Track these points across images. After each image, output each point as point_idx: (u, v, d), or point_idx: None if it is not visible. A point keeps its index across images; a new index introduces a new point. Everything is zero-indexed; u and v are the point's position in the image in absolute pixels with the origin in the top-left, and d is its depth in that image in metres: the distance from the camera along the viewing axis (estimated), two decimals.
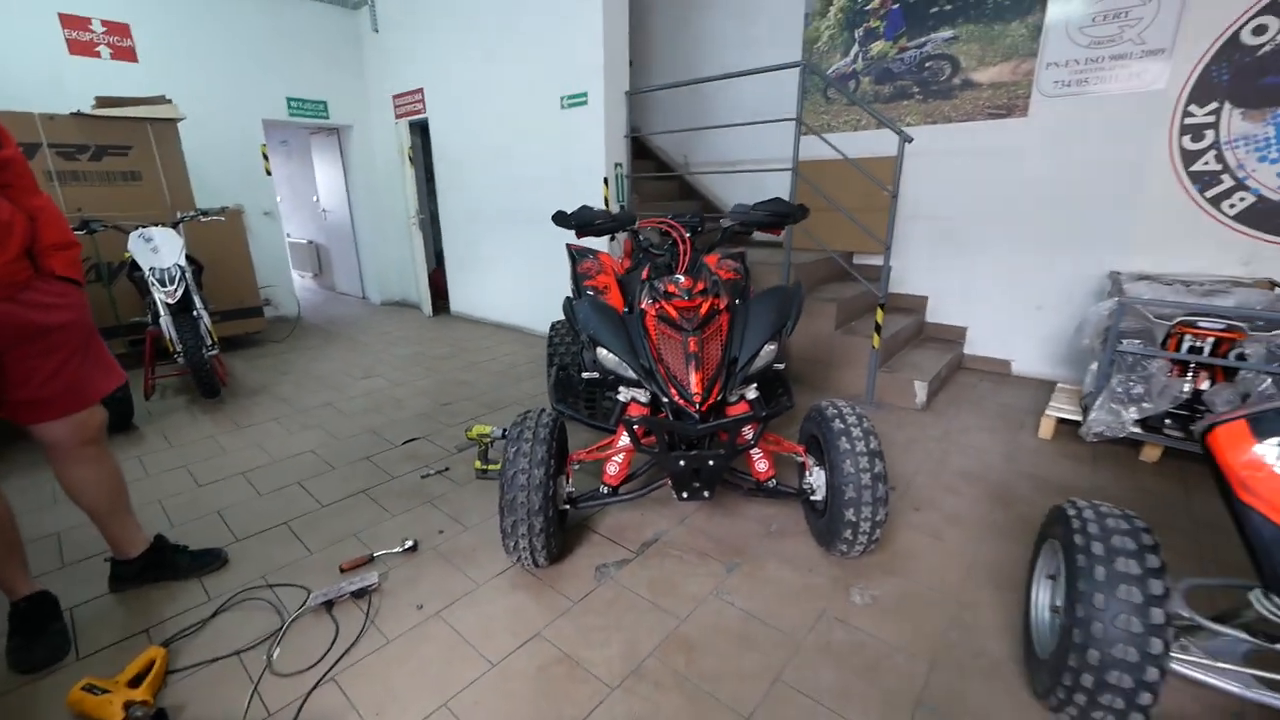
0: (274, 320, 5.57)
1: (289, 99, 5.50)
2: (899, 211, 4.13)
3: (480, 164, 5.07)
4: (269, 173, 5.48)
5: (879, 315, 3.25)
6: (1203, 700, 1.40)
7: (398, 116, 5.73)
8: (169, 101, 4.15)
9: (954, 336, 4.13)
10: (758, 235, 4.72)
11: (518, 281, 5.13)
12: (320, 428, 3.14)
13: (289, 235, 7.78)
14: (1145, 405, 2.51)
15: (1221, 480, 1.00)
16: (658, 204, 4.91)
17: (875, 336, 3.29)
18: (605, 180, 4.07)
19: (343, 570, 1.93)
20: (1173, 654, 1.26)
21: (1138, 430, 2.57)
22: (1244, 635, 1.20)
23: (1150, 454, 2.66)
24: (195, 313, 3.35)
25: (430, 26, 5.09)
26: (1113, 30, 3.23)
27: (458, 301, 5.93)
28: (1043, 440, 2.89)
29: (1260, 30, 2.90)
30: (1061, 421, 2.95)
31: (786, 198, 3.40)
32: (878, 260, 4.22)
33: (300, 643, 1.63)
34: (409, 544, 2.04)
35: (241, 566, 1.97)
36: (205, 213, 3.68)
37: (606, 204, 4.09)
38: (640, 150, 5.30)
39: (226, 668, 1.56)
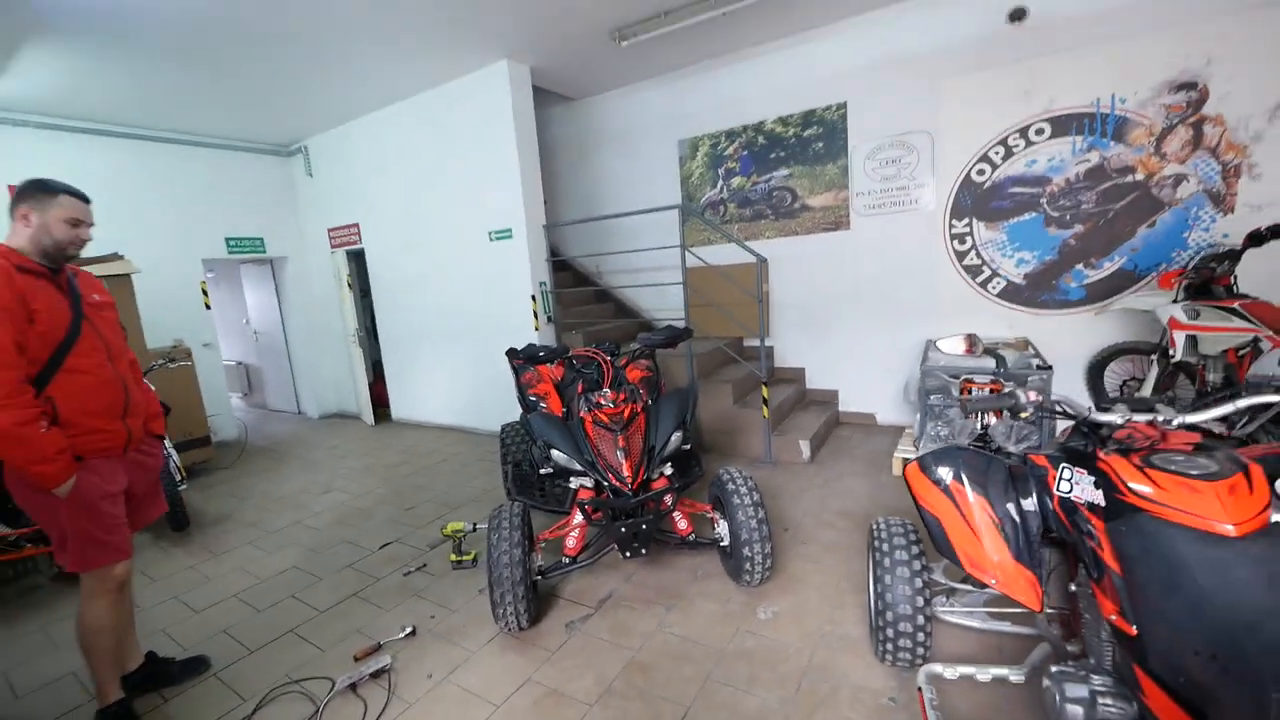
0: (218, 446, 5.65)
1: (228, 239, 5.90)
2: (774, 302, 5.14)
3: (417, 287, 5.65)
4: (208, 307, 5.76)
5: (765, 391, 4.08)
6: (972, 642, 2.13)
7: (334, 247, 6.25)
8: (122, 258, 4.48)
9: (829, 399, 5.07)
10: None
11: (457, 386, 5.61)
12: (296, 545, 3.43)
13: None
14: (949, 440, 3.43)
15: (912, 494, 1.76)
16: (579, 308, 5.67)
17: (765, 408, 4.10)
18: (533, 296, 4.79)
19: (357, 659, 2.31)
20: (939, 608, 2.00)
21: None
22: (973, 587, 1.96)
23: None
24: (165, 452, 3.59)
25: (363, 171, 5.77)
26: (892, 171, 4.48)
27: (400, 408, 6.27)
28: (895, 477, 3.73)
29: (980, 172, 4.20)
30: (905, 460, 3.84)
31: (681, 303, 4.24)
32: (766, 342, 5.15)
33: (338, 718, 2.02)
34: (408, 630, 2.45)
35: (265, 671, 2.29)
36: (172, 359, 3.99)
37: (535, 315, 4.79)
38: (560, 266, 6.08)
39: None
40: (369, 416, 6.34)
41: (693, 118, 5.23)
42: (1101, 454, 1.38)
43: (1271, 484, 1.26)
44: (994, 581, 1.50)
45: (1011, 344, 4.02)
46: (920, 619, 1.85)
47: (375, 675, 2.19)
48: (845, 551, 2.84)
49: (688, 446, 2.91)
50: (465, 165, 4.96)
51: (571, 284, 6.01)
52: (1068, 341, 4.13)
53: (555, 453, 2.49)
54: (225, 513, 4.05)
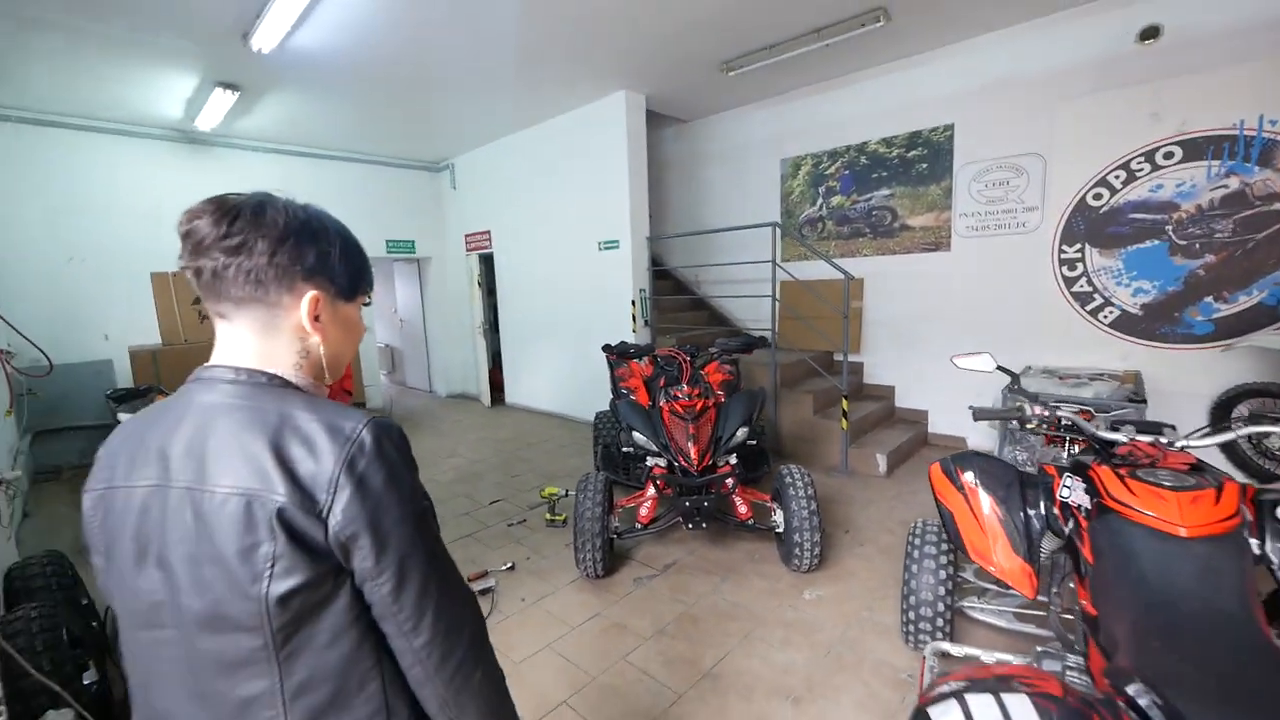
0: (369, 411, 6.80)
1: (387, 241, 7.08)
2: (867, 318, 5.26)
3: (534, 287, 6.43)
4: (368, 302, 6.95)
5: (844, 404, 4.27)
6: (997, 640, 2.28)
7: (469, 250, 7.25)
8: None
9: (918, 418, 5.08)
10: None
11: (561, 377, 6.28)
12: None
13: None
14: (1029, 467, 3.44)
15: (934, 493, 1.98)
16: (674, 314, 6.14)
17: (843, 420, 4.30)
18: (633, 302, 5.32)
19: (470, 580, 2.93)
20: (969, 605, 2.20)
21: None
22: (1001, 589, 2.14)
23: None
24: None
25: (497, 185, 6.67)
26: (999, 193, 4.46)
27: (512, 394, 7.09)
28: None
29: (1098, 196, 4.08)
30: None
31: (769, 315, 4.55)
32: (855, 357, 5.29)
33: None
34: (509, 565, 3.03)
35: None
36: None
37: (633, 319, 5.31)
38: (660, 274, 6.59)
39: None
40: (486, 399, 7.22)
41: (796, 138, 5.50)
42: (1095, 465, 1.58)
43: (1258, 505, 1.41)
44: (994, 569, 1.73)
45: (1119, 376, 3.88)
46: (941, 606, 2.08)
47: (483, 593, 2.78)
48: (898, 555, 3.03)
49: (753, 442, 3.26)
50: (583, 181, 5.62)
51: (671, 291, 6.49)
52: (1189, 378, 3.90)
53: (636, 434, 2.95)
54: None
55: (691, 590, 2.77)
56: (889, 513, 3.59)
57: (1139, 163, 3.93)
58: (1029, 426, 1.86)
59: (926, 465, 4.44)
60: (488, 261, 7.28)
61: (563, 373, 6.26)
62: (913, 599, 2.12)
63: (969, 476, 1.86)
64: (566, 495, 3.59)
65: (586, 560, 2.76)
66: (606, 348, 3.48)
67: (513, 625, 2.55)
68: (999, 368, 2.11)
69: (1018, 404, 1.90)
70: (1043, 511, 1.74)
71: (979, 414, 1.92)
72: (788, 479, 2.86)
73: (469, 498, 4.08)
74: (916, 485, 4.03)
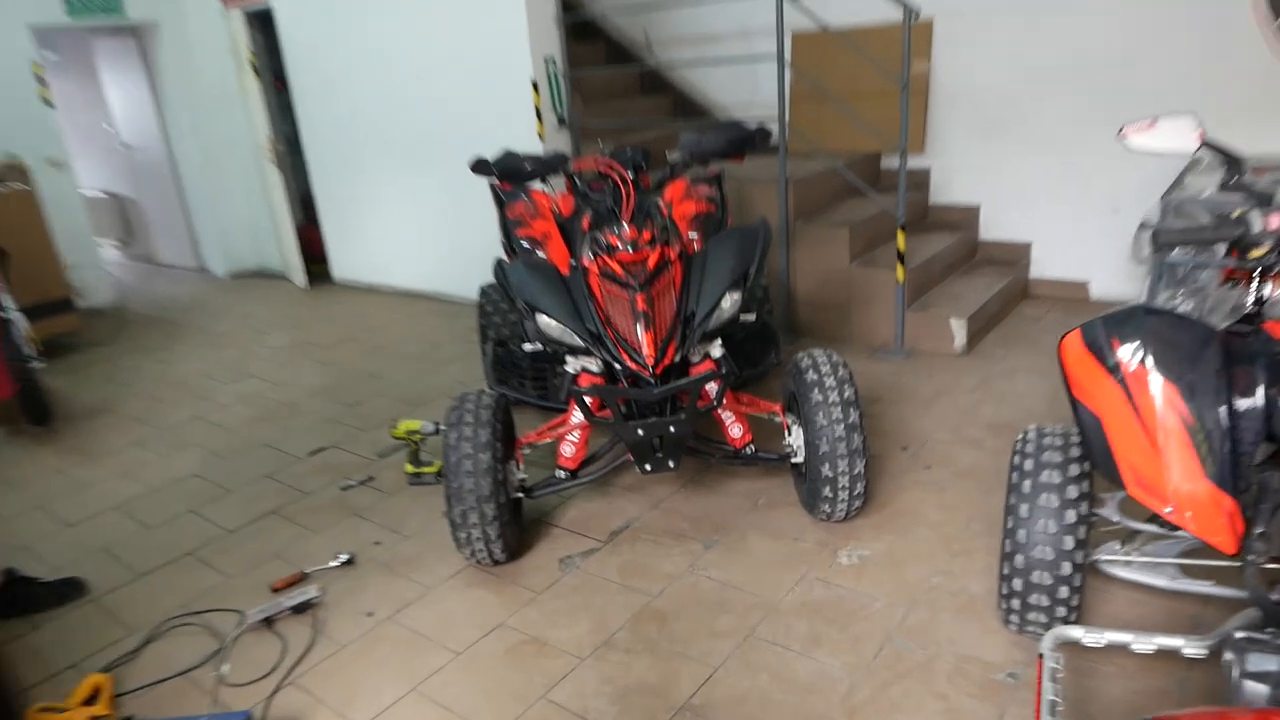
0: (86, 315, 6.27)
1: None
2: (937, 93, 4.94)
3: (356, 70, 5.80)
4: (49, 103, 6.16)
5: (900, 239, 4.07)
6: (1155, 610, 2.27)
7: (226, 4, 6.38)
8: None
9: (1015, 256, 5.00)
10: None
11: (429, 232, 5.90)
12: (197, 447, 3.94)
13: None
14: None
15: (1065, 381, 1.81)
16: (613, 103, 5.69)
17: (899, 267, 4.12)
18: (534, 84, 4.82)
19: (275, 590, 2.73)
20: (1104, 557, 2.13)
21: None
22: (1160, 530, 2.06)
23: None
24: (5, 315, 4.09)
25: None
26: None
27: (344, 265, 6.69)
28: None
29: None
30: None
31: (774, 92, 4.17)
32: (917, 161, 5.04)
33: (249, 657, 2.44)
34: (344, 558, 2.85)
35: (156, 600, 2.76)
36: None
37: (539, 115, 4.85)
38: (583, 32, 5.96)
39: (177, 686, 2.37)
40: (300, 276, 6.81)
41: None
42: None
43: None
44: (1169, 509, 1.59)
45: None
46: (1067, 567, 1.99)
47: (298, 610, 2.60)
48: (989, 480, 2.99)
49: (750, 317, 3.04)
50: None
51: (604, 61, 5.94)
52: None
53: (543, 319, 2.67)
54: (102, 403, 4.63)
55: (655, 570, 2.67)
56: (970, 412, 3.55)
57: None
58: (1256, 254, 1.67)
59: (1025, 330, 4.50)
60: (264, 25, 6.44)
61: (427, 221, 5.90)
62: (1019, 558, 2.03)
63: (1133, 351, 1.68)
64: (438, 432, 3.37)
65: (474, 539, 2.59)
66: (481, 167, 3.08)
67: (352, 660, 2.40)
68: (1209, 146, 1.89)
69: (1232, 212, 1.69)
70: (1262, 407, 1.59)
71: (1165, 238, 1.71)
72: (809, 374, 2.68)
73: (274, 449, 3.85)
74: (1012, 363, 4.01)
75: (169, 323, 6.16)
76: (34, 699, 2.35)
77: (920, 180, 5.16)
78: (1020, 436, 2.21)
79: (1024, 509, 2.05)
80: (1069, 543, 1.99)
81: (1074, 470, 2.05)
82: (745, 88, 5.46)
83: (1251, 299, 3.35)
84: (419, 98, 5.50)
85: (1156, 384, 1.65)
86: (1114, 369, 1.70)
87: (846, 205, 4.84)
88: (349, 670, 2.36)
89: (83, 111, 8.03)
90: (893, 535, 2.73)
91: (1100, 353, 1.75)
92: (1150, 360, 1.66)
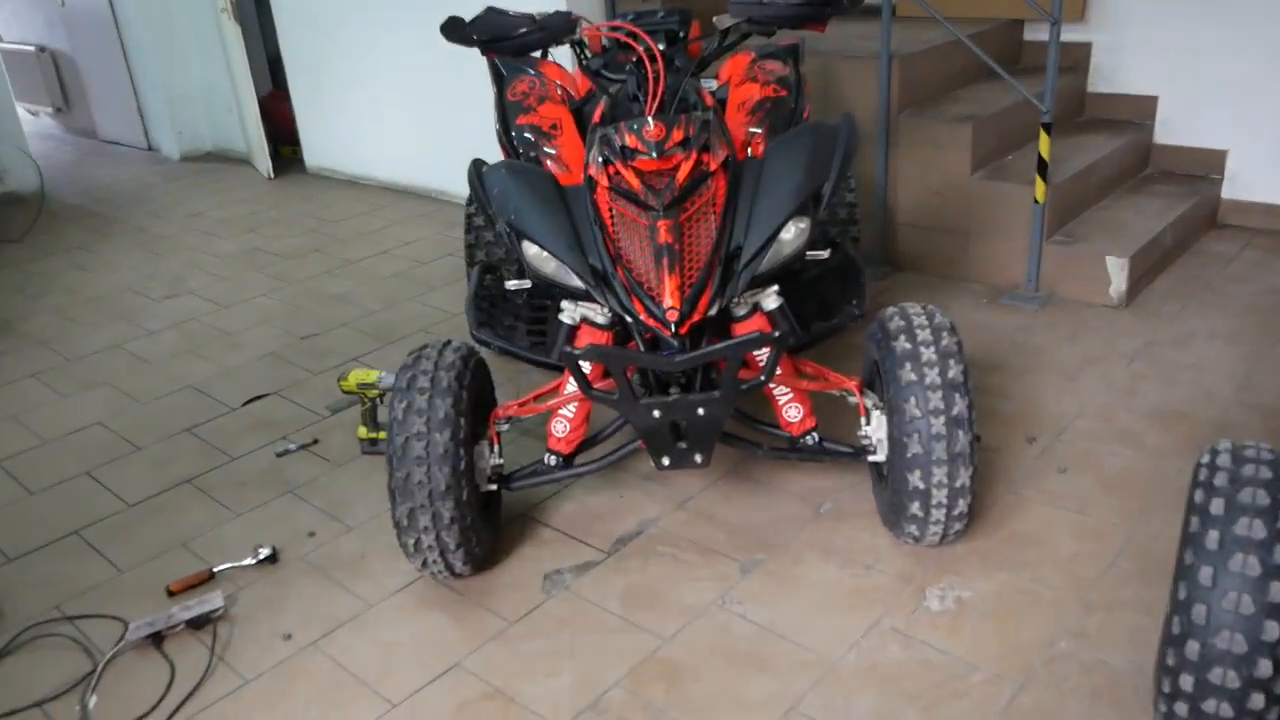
0: (1, 202, 6.15)
1: None
2: None
3: None
4: None
5: (1043, 143, 3.63)
6: None
7: None
8: None
9: (1203, 168, 4.55)
10: None
11: (419, 113, 5.63)
12: (109, 385, 3.76)
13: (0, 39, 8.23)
14: None
15: None
16: None
17: (1038, 183, 3.68)
18: None
19: (171, 593, 2.52)
20: None
21: None
22: None
23: None
24: None
25: None
26: None
27: (316, 150, 6.49)
28: None
29: None
30: None
31: None
32: (1073, 32, 4.53)
33: (125, 688, 2.24)
34: (265, 553, 2.63)
35: (22, 595, 2.58)
36: None
37: None
38: None
39: None
40: (264, 162, 6.62)
41: None
42: None
43: None
44: None
45: None
46: (1265, 668, 1.63)
47: (196, 624, 2.39)
48: (1149, 497, 2.65)
49: (824, 253, 2.68)
50: None
51: None
52: None
53: (531, 248, 2.35)
54: (1, 318, 4.48)
55: (672, 600, 2.40)
56: (1129, 392, 3.19)
57: None
58: None
59: (1210, 275, 4.02)
60: None
61: (419, 98, 5.62)
62: (1193, 644, 1.67)
63: None
64: None
65: (425, 546, 2.34)
66: (453, 28, 2.71)
67: (255, 704, 2.19)
68: None
69: None
70: None
71: None
72: (899, 340, 2.33)
73: (202, 392, 3.68)
74: (1191, 323, 3.62)
75: (101, 217, 6.00)
76: None
77: (1077, 59, 4.71)
78: (1206, 455, 1.83)
79: (1205, 573, 1.68)
80: (1274, 631, 1.64)
81: None
82: None
83: None
84: None
85: None
86: None
87: (971, 92, 4.44)
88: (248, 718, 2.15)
89: None
90: (1006, 572, 2.39)
91: None
92: None
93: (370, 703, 2.16)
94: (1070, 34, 4.46)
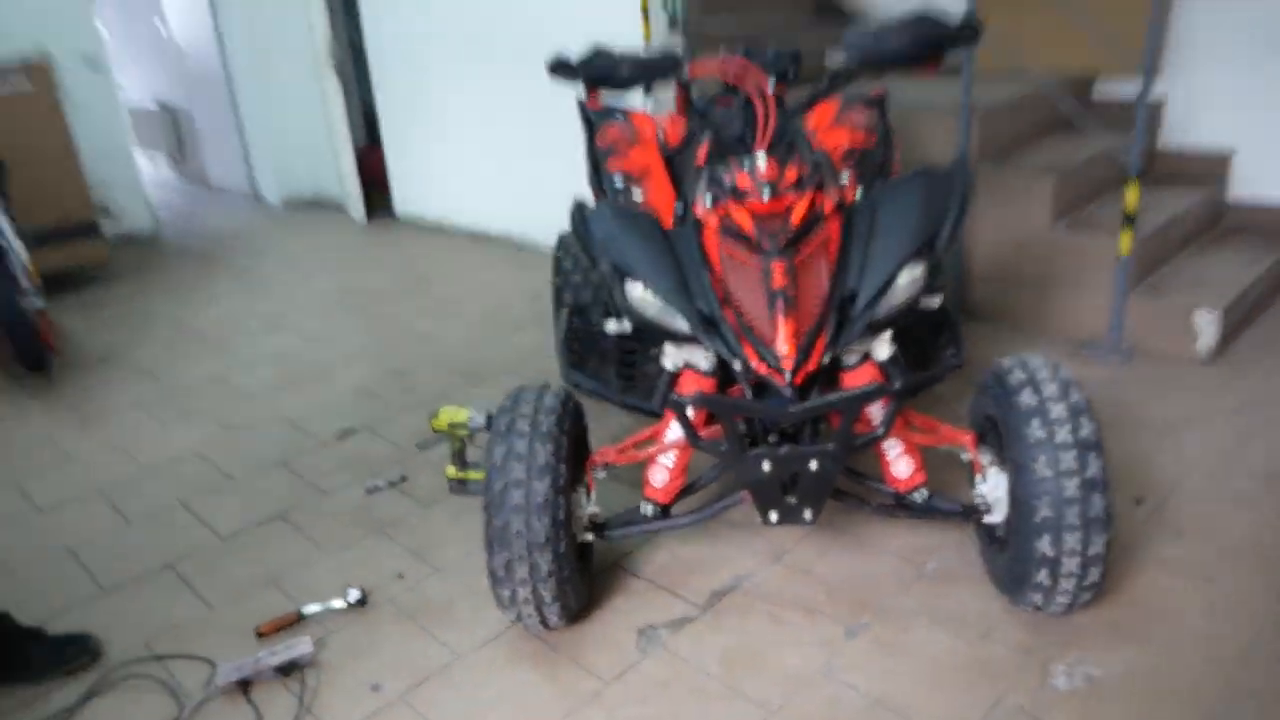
0: (117, 242, 6.06)
1: None
2: None
3: None
4: None
5: (1130, 196, 3.33)
6: None
7: None
8: None
9: None
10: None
11: (503, 162, 5.44)
12: (207, 415, 3.57)
13: (123, 89, 8.25)
14: None
15: None
16: (744, 14, 5.00)
17: (1124, 234, 3.37)
18: None
19: (261, 635, 2.26)
20: None
21: None
22: None
23: None
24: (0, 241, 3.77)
25: None
26: None
27: (407, 198, 6.33)
28: None
29: None
30: None
31: None
32: (1137, 89, 4.23)
33: None
34: (355, 596, 2.37)
35: (114, 631, 2.33)
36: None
37: (645, 15, 4.27)
38: None
39: None
40: (358, 208, 6.49)
41: None
42: None
43: None
44: None
45: None
46: None
47: (283, 670, 2.13)
48: (1278, 564, 2.28)
49: (936, 301, 2.38)
50: None
51: None
52: None
53: (635, 289, 2.07)
54: (111, 350, 4.35)
55: (774, 664, 2.08)
56: (1236, 453, 2.83)
57: None
58: None
59: None
60: None
61: (506, 150, 5.42)
62: None
63: None
64: (489, 426, 2.85)
65: (521, 598, 2.06)
66: (561, 68, 2.48)
67: None
68: None
69: None
70: None
71: None
72: (1023, 394, 2.03)
73: (296, 426, 3.46)
74: None
75: (207, 257, 5.91)
76: None
77: (1149, 113, 4.30)
78: None
79: None
80: None
81: None
82: None
83: None
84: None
85: None
86: None
87: (1047, 145, 4.15)
88: None
89: (134, 5, 7.82)
90: (1134, 646, 2.04)
91: None
92: None
93: None
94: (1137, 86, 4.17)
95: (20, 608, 2.33)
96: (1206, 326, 3.40)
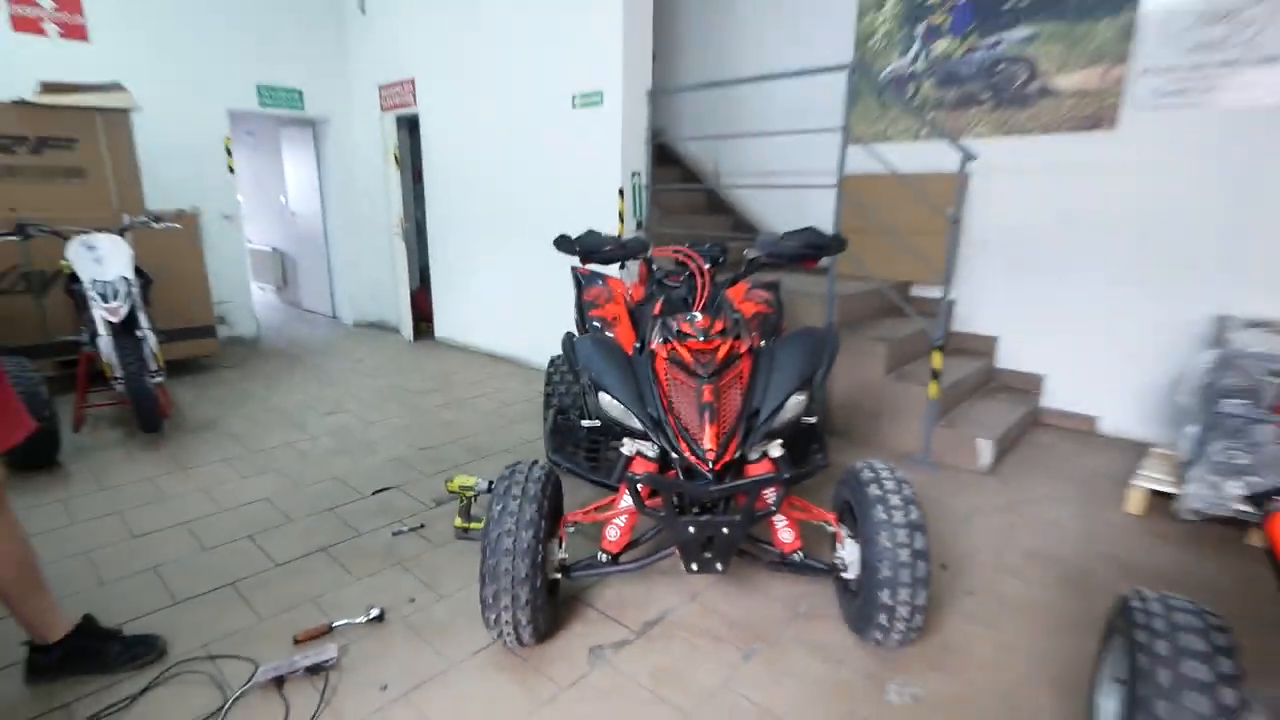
0: (228, 342, 5.82)
1: (260, 87, 5.87)
2: (966, 236, 4.29)
3: (476, 168, 5.34)
4: (232, 170, 5.82)
5: (936, 359, 3.36)
6: None
7: (384, 109, 6.07)
8: (123, 89, 4.48)
9: (1029, 386, 4.22)
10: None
11: (516, 305, 5.34)
12: (277, 472, 3.30)
13: (250, 241, 8.14)
14: (1252, 479, 2.56)
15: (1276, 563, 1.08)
16: (682, 218, 5.12)
17: (932, 384, 3.40)
18: (620, 191, 4.28)
19: (297, 642, 2.04)
20: None
21: (1245, 508, 2.62)
22: None
23: (1258, 538, 2.70)
24: (140, 333, 3.55)
25: (426, 6, 5.42)
26: (1218, 33, 3.39)
27: (444, 326, 6.16)
28: (1131, 516, 2.94)
29: None
30: (1155, 494, 3.00)
31: (830, 218, 3.55)
32: (939, 293, 4.35)
33: None
34: (375, 613, 2.15)
35: (180, 635, 2.08)
36: (158, 218, 3.93)
37: (620, 218, 4.29)
38: (664, 156, 5.52)
39: None
40: (409, 331, 6.30)
41: None
42: None
43: None
44: None
45: None
46: None
47: (312, 670, 1.91)
48: (1040, 619, 2.22)
49: (813, 419, 2.35)
50: (555, 2, 4.43)
51: (678, 181, 5.44)
52: None
53: (605, 397, 2.02)
54: (211, 419, 4.05)
55: (689, 679, 1.93)
56: (1006, 536, 2.77)
57: None
58: None
59: (1041, 456, 3.65)
60: (411, 128, 6.13)
61: (516, 296, 5.32)
62: None
63: None
64: (490, 489, 2.69)
65: (503, 620, 1.88)
66: (563, 243, 2.48)
67: None
68: None
69: None
70: None
71: None
72: (871, 488, 1.97)
73: (343, 482, 3.20)
74: (1037, 490, 3.21)
75: (292, 357, 5.63)
76: None
77: (947, 307, 4.41)
78: (1135, 603, 1.46)
79: (1163, 708, 1.28)
80: None
81: (1225, 666, 1.29)
82: (797, 216, 4.85)
83: None
84: (522, 194, 5.00)
85: None
86: None
87: (883, 324, 4.16)
88: None
89: (268, 181, 7.80)
90: (945, 674, 1.94)
91: None
92: None
93: None
94: (940, 292, 4.31)
95: (105, 612, 2.08)
96: (985, 449, 3.41)
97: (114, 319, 3.45)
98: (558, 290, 4.75)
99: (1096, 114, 3.76)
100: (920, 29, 4.27)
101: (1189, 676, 1.29)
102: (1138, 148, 3.65)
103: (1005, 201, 4.11)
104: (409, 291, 6.27)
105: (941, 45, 4.21)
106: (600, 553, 2.12)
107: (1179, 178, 3.55)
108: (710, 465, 1.87)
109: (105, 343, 3.48)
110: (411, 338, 6.27)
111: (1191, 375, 2.91)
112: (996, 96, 4.06)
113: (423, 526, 2.76)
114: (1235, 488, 2.58)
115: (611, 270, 4.09)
